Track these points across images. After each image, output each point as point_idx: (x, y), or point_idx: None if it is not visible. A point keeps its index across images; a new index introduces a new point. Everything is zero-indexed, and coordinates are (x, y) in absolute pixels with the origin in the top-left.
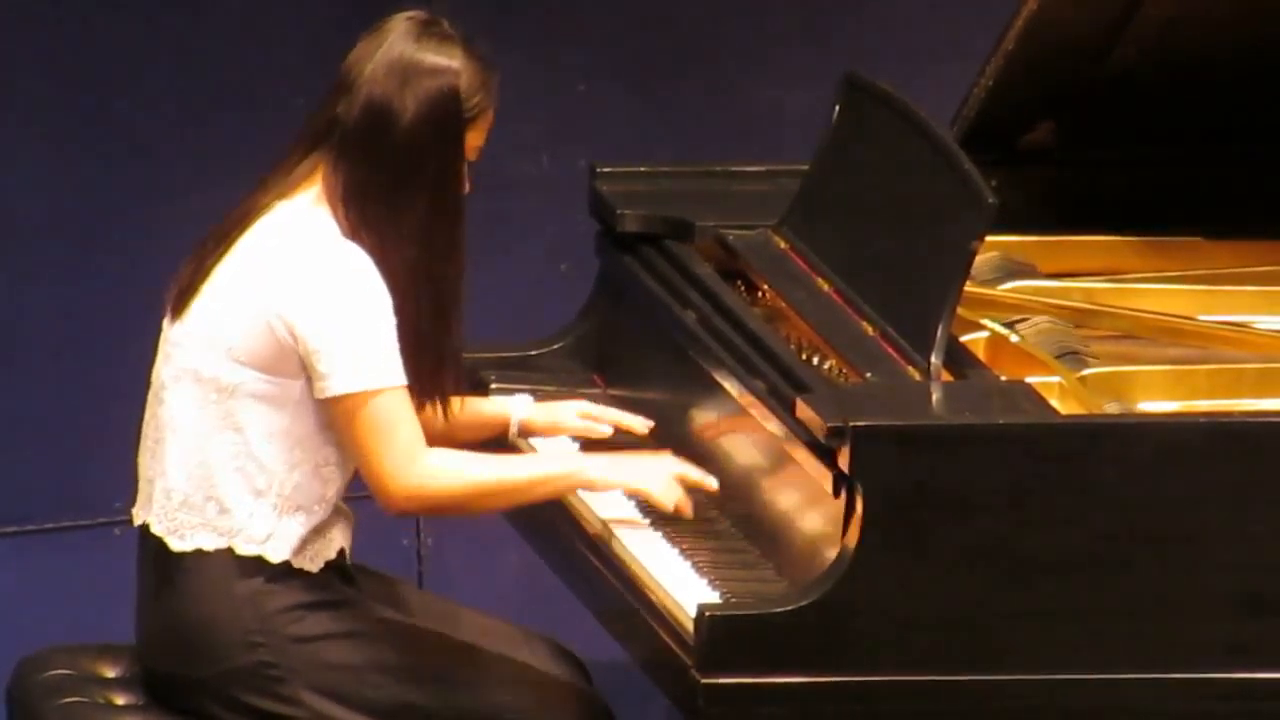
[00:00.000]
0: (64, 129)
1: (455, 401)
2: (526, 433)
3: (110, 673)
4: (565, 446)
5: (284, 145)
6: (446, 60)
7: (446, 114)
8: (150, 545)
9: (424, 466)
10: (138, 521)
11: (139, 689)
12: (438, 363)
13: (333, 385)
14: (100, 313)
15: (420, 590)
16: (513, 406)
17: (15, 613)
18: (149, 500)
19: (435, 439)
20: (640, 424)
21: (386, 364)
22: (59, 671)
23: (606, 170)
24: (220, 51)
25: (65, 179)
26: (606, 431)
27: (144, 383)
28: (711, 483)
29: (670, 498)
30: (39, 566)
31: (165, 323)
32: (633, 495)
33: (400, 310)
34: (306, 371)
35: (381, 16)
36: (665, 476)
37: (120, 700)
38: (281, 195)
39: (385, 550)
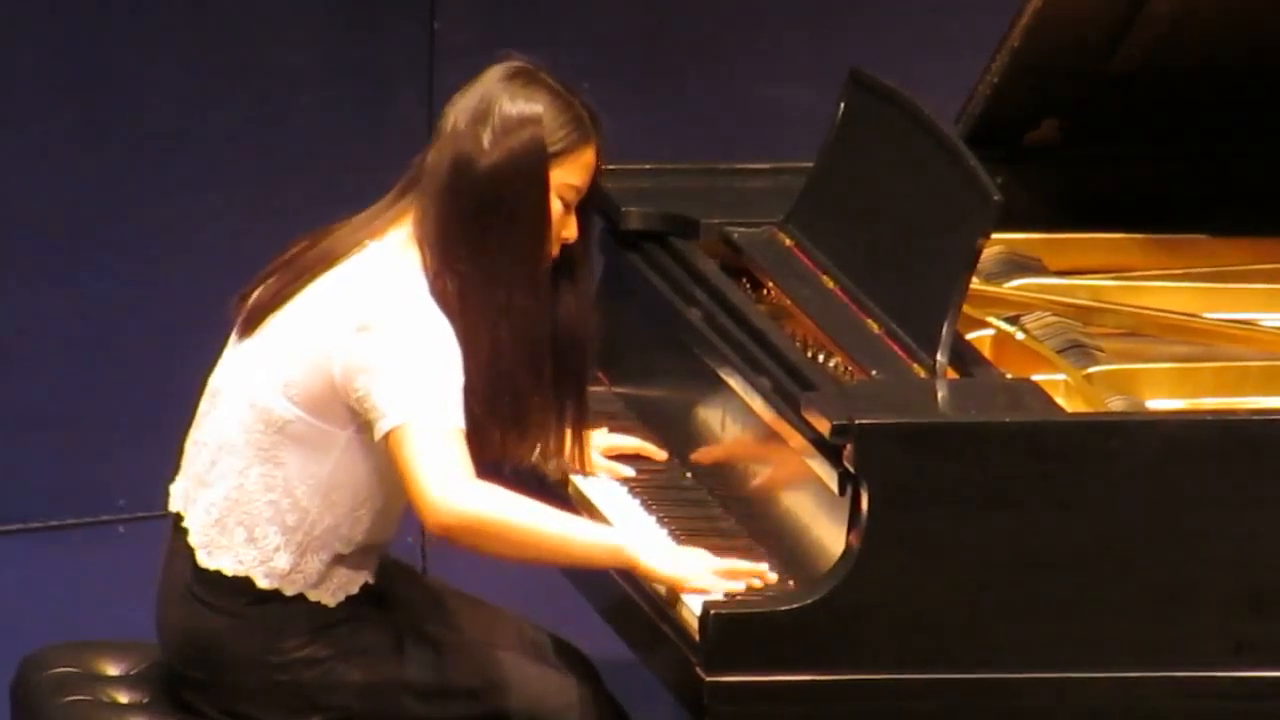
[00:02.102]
0: (65, 129)
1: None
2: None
3: (114, 670)
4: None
5: (285, 146)
6: (526, 103)
7: (526, 152)
8: (181, 544)
9: (468, 490)
10: (174, 506)
11: (143, 686)
12: (518, 400)
13: (388, 421)
14: (102, 311)
15: (429, 580)
16: None
17: (19, 610)
18: (191, 499)
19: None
20: (657, 452)
21: (446, 405)
22: (62, 669)
23: (611, 168)
24: (220, 51)
25: (67, 179)
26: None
27: (145, 380)
28: (770, 576)
29: (717, 585)
30: (43, 564)
31: (234, 334)
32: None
33: (483, 349)
34: (356, 420)
35: (383, 17)
36: (709, 572)
37: (124, 698)
38: (373, 235)
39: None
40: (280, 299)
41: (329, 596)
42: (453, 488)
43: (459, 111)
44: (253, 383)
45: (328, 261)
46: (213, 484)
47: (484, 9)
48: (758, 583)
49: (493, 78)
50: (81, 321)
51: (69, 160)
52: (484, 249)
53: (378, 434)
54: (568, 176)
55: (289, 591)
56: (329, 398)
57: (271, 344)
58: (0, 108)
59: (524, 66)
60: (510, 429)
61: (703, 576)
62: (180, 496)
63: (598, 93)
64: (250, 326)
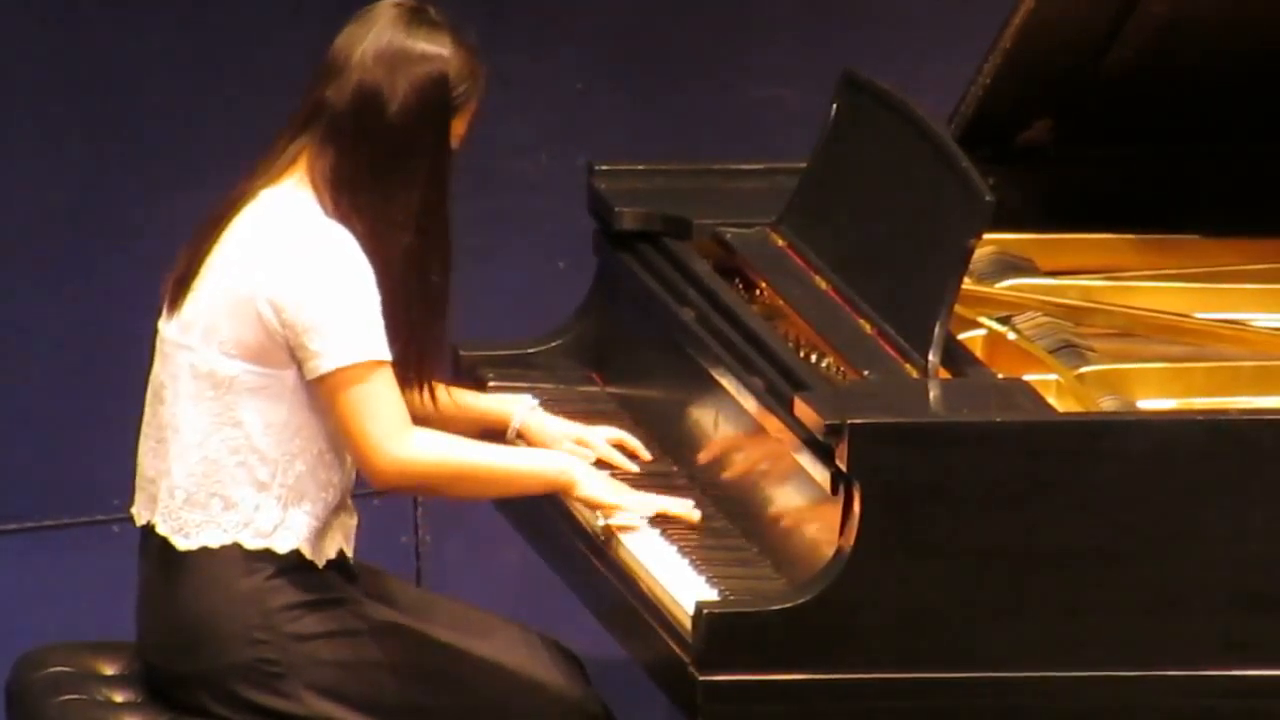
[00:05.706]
0: (64, 128)
1: (441, 390)
2: (523, 437)
3: (109, 670)
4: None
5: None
6: (437, 48)
7: (436, 101)
8: (154, 545)
9: (411, 441)
10: (140, 521)
11: (138, 686)
12: (423, 349)
13: (323, 363)
14: (99, 310)
15: (418, 588)
16: (514, 408)
17: (14, 610)
18: (152, 500)
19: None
20: (634, 466)
21: (372, 338)
22: (58, 669)
23: (604, 168)
24: (220, 51)
25: (65, 178)
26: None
27: (143, 380)
28: (694, 515)
29: (644, 516)
30: (38, 564)
31: (161, 321)
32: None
33: (390, 297)
34: (296, 358)
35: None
36: (644, 506)
37: (119, 698)
38: (268, 182)
39: (383, 547)
40: (194, 267)
41: (316, 554)
42: (394, 447)
43: (364, 52)
44: (193, 354)
45: (228, 217)
46: (173, 469)
47: (483, 8)
48: (692, 516)
49: (392, 20)
50: (79, 321)
51: (67, 159)
52: (393, 198)
53: (310, 374)
54: (461, 125)
55: (281, 549)
56: (265, 342)
57: (198, 311)
58: None
59: (419, 6)
60: (409, 374)
61: (633, 508)
62: (142, 506)
63: (592, 92)
64: (175, 303)
